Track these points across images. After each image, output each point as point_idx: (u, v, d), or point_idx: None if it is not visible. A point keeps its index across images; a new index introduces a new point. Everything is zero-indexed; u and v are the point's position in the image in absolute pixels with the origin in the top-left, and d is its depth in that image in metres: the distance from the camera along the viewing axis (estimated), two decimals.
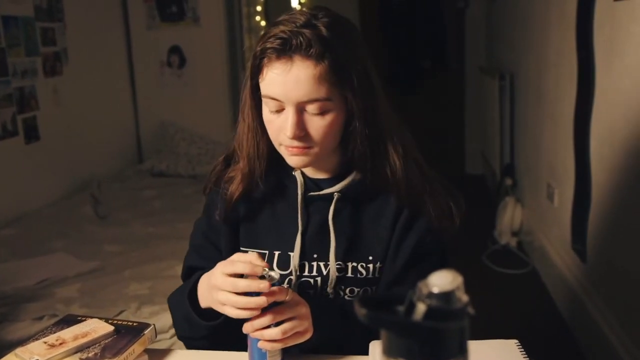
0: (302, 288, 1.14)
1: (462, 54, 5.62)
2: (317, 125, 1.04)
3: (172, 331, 1.93)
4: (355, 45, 1.06)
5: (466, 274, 0.60)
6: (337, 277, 1.13)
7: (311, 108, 1.03)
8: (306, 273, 1.14)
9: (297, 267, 1.14)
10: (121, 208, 3.30)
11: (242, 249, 1.17)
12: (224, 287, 0.97)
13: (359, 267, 1.13)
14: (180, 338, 1.21)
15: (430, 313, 0.57)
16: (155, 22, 4.24)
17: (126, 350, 1.08)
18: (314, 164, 1.12)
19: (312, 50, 0.99)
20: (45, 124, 3.35)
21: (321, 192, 1.14)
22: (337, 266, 1.13)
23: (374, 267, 1.14)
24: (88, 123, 3.78)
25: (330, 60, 1.00)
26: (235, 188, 1.16)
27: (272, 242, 1.16)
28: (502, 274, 3.29)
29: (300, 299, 1.03)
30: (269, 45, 1.00)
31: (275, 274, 0.98)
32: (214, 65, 4.24)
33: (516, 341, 1.09)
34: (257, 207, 1.17)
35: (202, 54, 4.24)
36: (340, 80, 1.02)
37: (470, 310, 0.58)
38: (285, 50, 0.99)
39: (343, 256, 1.13)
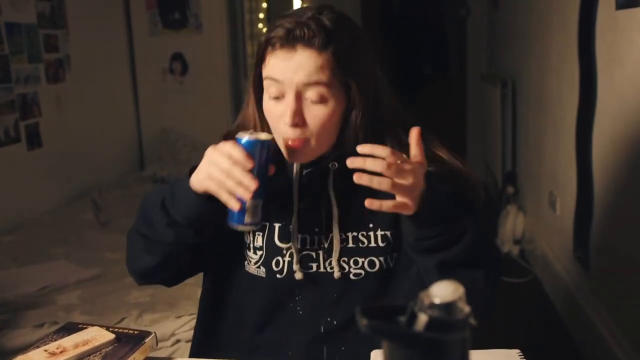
0: (305, 261, 1.14)
1: (464, 62, 5.63)
2: (315, 113, 1.04)
3: (174, 339, 1.93)
4: (359, 39, 1.08)
5: None
6: (339, 248, 1.12)
7: (311, 94, 1.03)
8: (308, 246, 1.14)
9: (296, 245, 1.13)
10: (122, 215, 3.29)
11: None
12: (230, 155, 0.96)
13: (360, 236, 1.12)
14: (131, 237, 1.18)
15: (431, 324, 0.57)
16: (157, 29, 4.26)
17: (127, 358, 1.08)
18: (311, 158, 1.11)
19: (315, 40, 1.01)
20: (47, 131, 3.36)
21: (316, 168, 1.12)
22: (340, 237, 1.12)
23: (375, 235, 1.12)
24: (90, 129, 3.79)
25: (333, 50, 1.02)
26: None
27: (273, 214, 1.14)
28: (504, 283, 3.28)
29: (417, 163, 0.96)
30: (273, 34, 1.03)
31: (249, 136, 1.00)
32: (216, 72, 4.25)
33: (518, 351, 1.09)
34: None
35: (204, 61, 4.25)
36: (342, 70, 1.03)
37: (472, 321, 0.58)
38: (289, 40, 1.01)
39: (342, 227, 1.12)
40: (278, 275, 1.14)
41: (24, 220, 3.11)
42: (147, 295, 2.23)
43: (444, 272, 1.00)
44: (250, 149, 0.99)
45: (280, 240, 1.14)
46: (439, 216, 0.99)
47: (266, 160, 1.01)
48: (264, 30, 4.91)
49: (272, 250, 1.14)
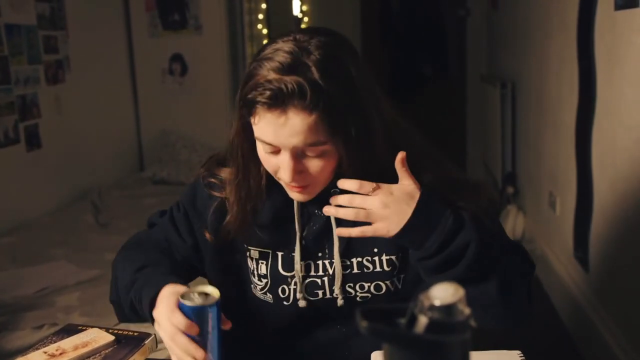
0: (310, 289, 1.12)
1: (463, 62, 5.63)
2: (314, 165, 1.00)
3: None
4: (351, 79, 0.97)
5: None
6: (343, 274, 1.10)
7: (308, 151, 0.98)
8: (312, 273, 1.12)
9: (300, 272, 1.12)
10: (122, 216, 3.29)
11: (246, 246, 1.15)
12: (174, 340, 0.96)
13: (364, 261, 1.11)
14: (111, 300, 1.26)
15: (432, 326, 0.56)
16: (157, 30, 4.25)
17: None
18: None
19: (305, 100, 0.92)
20: (46, 132, 3.35)
21: (318, 195, 1.09)
22: (343, 263, 1.11)
23: (380, 260, 1.11)
24: (90, 131, 3.78)
25: (324, 106, 0.93)
26: (231, 195, 1.12)
27: (275, 242, 1.13)
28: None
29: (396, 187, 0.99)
30: (259, 98, 0.94)
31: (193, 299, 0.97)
32: (215, 73, 4.25)
33: (519, 352, 1.09)
34: (259, 198, 1.13)
35: (204, 62, 4.25)
36: (336, 124, 0.96)
37: (472, 322, 0.58)
38: (277, 103, 0.93)
39: (346, 253, 1.11)
40: (285, 302, 1.13)
41: (23, 221, 3.10)
42: None
43: None
44: (196, 315, 0.96)
45: (283, 269, 1.13)
46: (429, 234, 0.98)
47: (217, 320, 0.98)
48: (264, 31, 4.90)
49: (276, 279, 1.13)
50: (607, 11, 2.17)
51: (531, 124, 3.60)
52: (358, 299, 1.12)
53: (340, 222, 1.06)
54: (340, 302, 1.12)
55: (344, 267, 1.11)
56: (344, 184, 1.00)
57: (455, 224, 0.98)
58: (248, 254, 1.15)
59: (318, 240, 1.12)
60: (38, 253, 2.69)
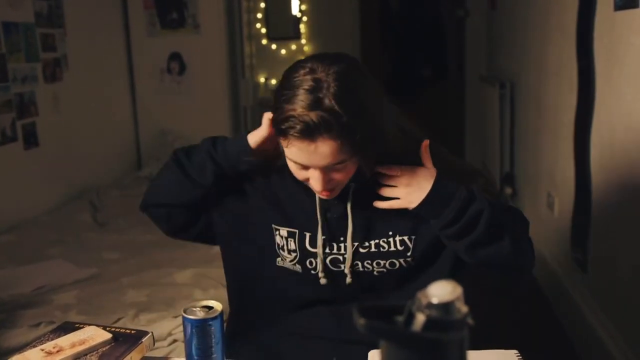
0: (333, 262, 1.28)
1: (462, 63, 5.63)
2: (340, 175, 1.17)
3: (170, 339, 1.92)
4: (365, 105, 1.13)
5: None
6: (362, 253, 1.27)
7: (334, 167, 1.15)
8: (335, 251, 1.28)
9: (322, 255, 1.27)
10: (120, 215, 3.29)
11: (274, 226, 1.30)
12: None
13: (381, 242, 1.26)
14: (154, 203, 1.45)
15: (429, 324, 0.56)
16: (155, 29, 4.25)
17: (124, 358, 1.07)
18: None
19: (331, 131, 1.07)
20: (44, 130, 3.35)
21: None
22: (362, 245, 1.27)
23: (394, 240, 1.26)
24: (87, 129, 3.78)
25: (346, 133, 1.09)
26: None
27: (303, 223, 1.28)
28: (501, 283, 3.27)
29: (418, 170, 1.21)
30: (291, 131, 1.09)
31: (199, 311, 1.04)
32: (213, 72, 4.25)
33: (516, 352, 1.09)
34: (284, 187, 1.30)
35: (202, 61, 4.24)
36: (356, 145, 1.12)
37: (470, 321, 0.58)
38: (307, 135, 1.08)
39: (365, 236, 1.27)
40: (312, 272, 1.29)
41: (21, 220, 3.10)
42: (144, 295, 2.23)
43: (473, 254, 1.21)
44: (199, 328, 1.01)
45: (310, 246, 1.28)
46: (445, 206, 1.18)
47: (220, 333, 1.04)
48: (262, 30, 4.90)
49: (304, 254, 1.29)
50: (607, 12, 2.17)
51: (530, 124, 3.61)
52: (375, 273, 1.28)
53: (356, 213, 1.25)
54: (348, 280, 1.28)
55: (363, 247, 1.27)
56: (388, 171, 1.22)
57: (469, 196, 1.18)
58: (278, 232, 1.30)
59: (339, 225, 1.27)
60: (36, 251, 2.69)
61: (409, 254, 1.27)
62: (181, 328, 1.93)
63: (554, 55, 2.97)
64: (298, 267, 1.30)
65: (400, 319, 0.59)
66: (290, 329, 1.34)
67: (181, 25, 4.21)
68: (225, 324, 1.35)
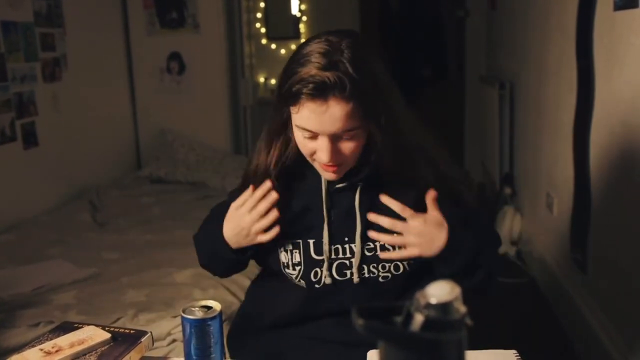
0: (339, 269, 1.27)
1: (462, 63, 5.63)
2: (347, 147, 1.16)
3: (169, 339, 1.92)
4: (376, 74, 1.15)
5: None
6: (368, 256, 1.25)
7: (344, 135, 1.15)
8: (340, 256, 1.26)
9: (328, 255, 1.26)
10: (119, 215, 3.29)
11: (279, 241, 1.28)
12: (254, 219, 1.22)
13: (386, 244, 1.25)
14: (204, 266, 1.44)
15: (428, 324, 0.56)
16: (155, 29, 4.25)
17: (123, 357, 1.07)
18: None
19: (345, 91, 1.09)
20: (44, 130, 3.35)
21: (346, 184, 1.26)
22: (367, 246, 1.25)
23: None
24: (87, 129, 3.78)
25: (359, 96, 1.10)
26: (265, 158, 1.28)
27: (305, 231, 1.28)
28: (501, 284, 3.28)
29: (425, 218, 1.19)
30: (304, 90, 1.09)
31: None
32: (213, 71, 4.25)
33: (515, 352, 1.09)
34: (283, 199, 1.27)
35: (201, 61, 4.24)
36: (368, 113, 1.14)
37: (468, 321, 0.58)
38: (320, 94, 1.09)
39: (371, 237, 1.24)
40: (317, 286, 1.28)
41: (21, 219, 3.10)
42: (143, 295, 2.23)
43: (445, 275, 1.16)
44: (198, 328, 1.02)
45: (316, 254, 1.27)
46: (457, 257, 1.19)
47: (219, 333, 1.04)
48: (262, 29, 4.90)
49: (310, 264, 1.27)
50: (607, 12, 2.17)
51: (529, 124, 3.61)
52: (380, 279, 1.27)
53: (362, 212, 1.24)
54: (356, 279, 1.26)
55: (368, 249, 1.26)
56: (390, 202, 1.19)
57: (476, 248, 1.20)
58: (283, 248, 1.29)
59: (344, 227, 1.26)
60: (35, 251, 2.69)
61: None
62: (180, 328, 1.93)
63: (553, 55, 2.97)
64: (302, 283, 1.29)
65: (398, 319, 0.59)
66: (295, 335, 1.34)
67: (181, 25, 4.21)
68: (229, 324, 1.36)
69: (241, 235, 1.26)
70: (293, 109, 1.15)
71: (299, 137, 1.18)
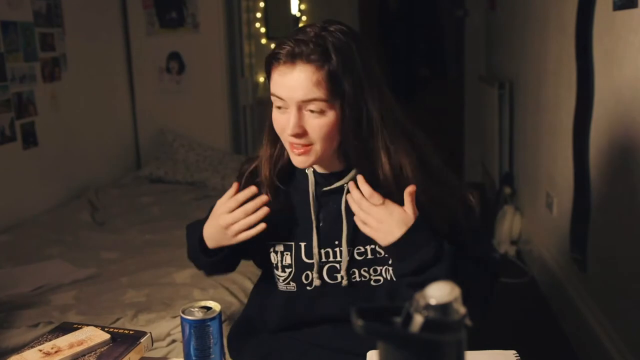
0: (330, 272, 1.27)
1: (461, 63, 5.63)
2: (314, 124, 1.15)
3: (169, 339, 1.92)
4: (354, 58, 1.14)
5: None
6: (358, 260, 1.25)
7: (311, 107, 1.13)
8: (331, 259, 1.27)
9: (317, 258, 1.26)
10: (119, 215, 3.28)
11: (269, 242, 1.30)
12: (236, 218, 1.21)
13: (377, 247, 1.24)
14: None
15: (427, 325, 0.56)
16: (154, 28, 4.24)
17: (122, 358, 1.07)
18: (319, 163, 1.24)
19: (312, 57, 1.11)
20: (43, 130, 3.34)
21: (333, 187, 1.26)
22: (357, 250, 1.25)
23: None
24: (86, 129, 3.77)
25: (328, 69, 1.11)
26: (265, 170, 1.29)
27: (297, 234, 1.28)
28: (500, 283, 3.28)
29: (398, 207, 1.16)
30: (276, 50, 1.14)
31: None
32: (213, 71, 4.24)
33: (514, 352, 1.09)
34: (275, 203, 1.27)
35: (201, 60, 4.24)
36: (336, 88, 1.12)
37: (468, 322, 0.58)
38: (290, 57, 1.12)
39: (362, 240, 1.24)
40: (308, 288, 1.28)
41: (20, 219, 3.09)
42: (142, 295, 2.22)
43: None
44: (197, 329, 1.02)
45: (306, 257, 1.27)
46: (408, 259, 1.15)
47: (218, 334, 1.05)
48: (262, 29, 4.90)
49: (300, 267, 1.28)
50: (606, 11, 2.17)
51: (529, 124, 3.61)
52: (372, 282, 1.26)
53: (351, 216, 1.22)
54: (344, 283, 1.26)
55: (359, 254, 1.25)
56: (362, 185, 1.17)
57: (433, 259, 1.14)
58: (272, 249, 1.30)
59: (333, 230, 1.26)
60: (34, 251, 2.69)
61: None
62: (180, 328, 1.93)
63: (553, 55, 2.97)
64: (292, 286, 1.29)
65: (398, 320, 0.59)
66: (292, 339, 1.34)
67: (180, 25, 4.21)
68: (229, 325, 1.36)
69: (220, 234, 1.26)
70: (270, 81, 1.17)
71: (275, 112, 1.19)
